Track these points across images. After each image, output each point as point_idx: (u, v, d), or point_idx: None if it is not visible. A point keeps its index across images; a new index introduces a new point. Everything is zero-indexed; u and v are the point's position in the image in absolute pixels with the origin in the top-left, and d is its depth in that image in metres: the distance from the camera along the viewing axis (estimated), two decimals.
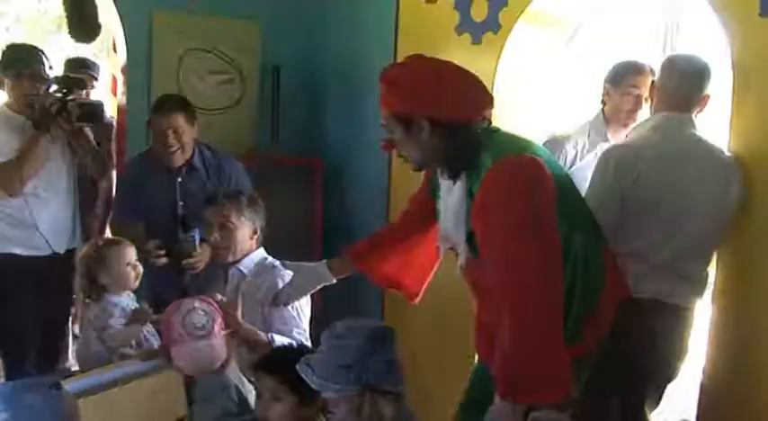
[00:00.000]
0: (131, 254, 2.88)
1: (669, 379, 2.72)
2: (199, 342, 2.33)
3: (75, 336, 4.22)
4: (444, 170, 2.15)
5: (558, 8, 3.29)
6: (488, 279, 2.05)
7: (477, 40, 3.38)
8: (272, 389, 2.12)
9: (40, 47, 3.51)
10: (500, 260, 1.99)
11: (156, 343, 2.77)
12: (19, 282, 3.39)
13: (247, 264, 2.84)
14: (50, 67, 3.44)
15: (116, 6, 4.01)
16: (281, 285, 2.71)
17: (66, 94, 3.26)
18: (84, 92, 3.61)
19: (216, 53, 4.32)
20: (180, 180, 3.38)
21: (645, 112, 3.05)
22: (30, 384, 2.89)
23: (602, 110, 3.29)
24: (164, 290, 3.27)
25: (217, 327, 2.37)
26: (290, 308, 2.73)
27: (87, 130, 3.51)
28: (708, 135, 2.62)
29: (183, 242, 3.27)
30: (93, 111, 3.36)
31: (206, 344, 2.34)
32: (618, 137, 3.19)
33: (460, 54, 3.45)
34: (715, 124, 2.77)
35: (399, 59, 3.83)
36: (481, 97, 2.14)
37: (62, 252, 3.47)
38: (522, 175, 1.99)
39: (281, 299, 2.66)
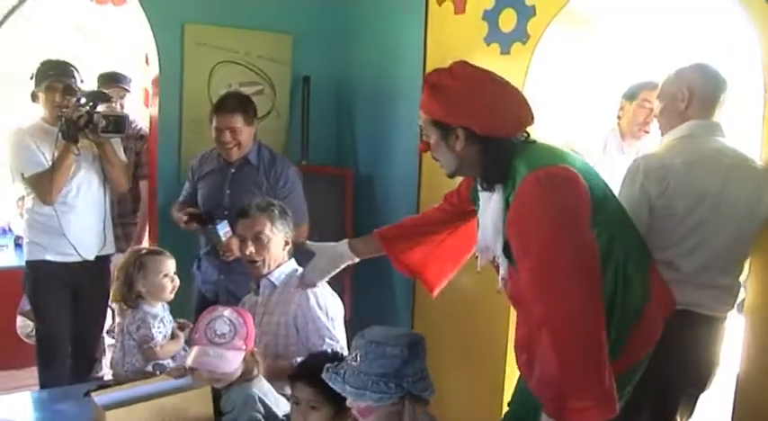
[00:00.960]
0: (170, 265, 2.92)
1: (701, 389, 2.69)
2: (212, 347, 2.34)
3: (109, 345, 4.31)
4: (478, 180, 2.14)
5: (586, 16, 3.29)
6: (524, 290, 2.02)
7: (505, 51, 3.39)
8: (309, 399, 2.13)
9: (71, 62, 3.64)
10: (534, 272, 1.95)
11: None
12: (52, 287, 3.55)
13: (278, 276, 2.85)
14: (81, 81, 3.60)
15: (148, 20, 4.07)
16: (311, 298, 2.72)
17: (93, 107, 3.41)
18: (110, 104, 3.73)
19: (246, 65, 4.36)
20: (233, 171, 3.63)
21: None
22: (64, 392, 2.94)
23: (618, 124, 3.52)
24: (206, 287, 3.65)
25: (238, 341, 2.36)
26: (323, 318, 2.74)
27: (116, 143, 3.64)
28: (736, 142, 2.60)
29: (209, 234, 3.53)
30: (118, 123, 3.47)
31: (217, 351, 2.32)
32: (632, 149, 3.41)
33: (489, 64, 3.38)
34: (742, 130, 2.77)
35: (428, 70, 3.86)
36: (522, 114, 2.10)
37: (91, 258, 3.59)
38: (556, 186, 1.95)
39: (306, 280, 2.68)
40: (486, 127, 2.04)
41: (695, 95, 2.61)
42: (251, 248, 2.83)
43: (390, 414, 1.90)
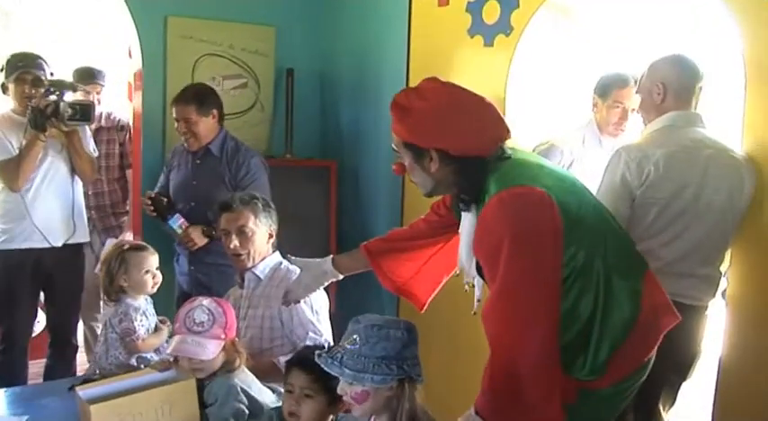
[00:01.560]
0: (153, 261, 2.91)
1: (683, 378, 2.72)
2: (190, 335, 2.35)
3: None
4: (455, 200, 2.11)
5: (569, 8, 3.30)
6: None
7: (489, 43, 3.39)
8: (304, 386, 2.14)
9: (40, 54, 3.72)
10: (493, 293, 1.93)
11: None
12: (20, 274, 3.63)
13: (263, 269, 2.85)
14: (51, 73, 3.67)
15: (131, 12, 4.05)
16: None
17: (60, 96, 3.49)
18: (86, 93, 3.85)
19: (230, 58, 4.35)
20: (198, 162, 3.70)
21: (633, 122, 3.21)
22: (47, 387, 2.93)
23: (594, 117, 3.44)
24: (182, 278, 3.74)
25: (216, 329, 2.37)
26: (308, 312, 2.74)
27: (85, 135, 3.72)
28: (717, 133, 2.63)
29: (167, 231, 3.65)
30: (85, 111, 3.55)
31: (195, 339, 2.34)
32: (610, 143, 3.34)
33: (473, 56, 3.47)
34: (723, 121, 2.79)
35: (412, 62, 3.87)
36: (497, 130, 2.03)
37: (59, 245, 3.66)
38: (517, 208, 1.88)
39: (290, 297, 2.64)
40: (460, 147, 1.97)
41: (669, 88, 2.64)
42: (235, 242, 2.83)
43: (387, 399, 1.90)
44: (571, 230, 1.88)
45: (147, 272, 2.87)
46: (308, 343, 2.62)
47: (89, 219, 4.28)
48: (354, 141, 4.45)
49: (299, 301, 2.67)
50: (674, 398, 2.79)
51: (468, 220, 2.08)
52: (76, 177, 3.73)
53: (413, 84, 3.87)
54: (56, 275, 3.70)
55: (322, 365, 1.92)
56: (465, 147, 1.98)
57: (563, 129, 3.52)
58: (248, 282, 2.86)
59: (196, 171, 3.70)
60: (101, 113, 4.39)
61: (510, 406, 1.88)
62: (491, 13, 3.37)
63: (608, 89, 3.35)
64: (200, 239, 3.56)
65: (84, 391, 2.25)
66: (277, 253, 2.92)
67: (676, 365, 2.64)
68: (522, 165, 2.02)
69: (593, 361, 1.92)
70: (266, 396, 2.39)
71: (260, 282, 2.84)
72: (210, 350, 2.35)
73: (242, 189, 3.45)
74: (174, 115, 3.66)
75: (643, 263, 2.07)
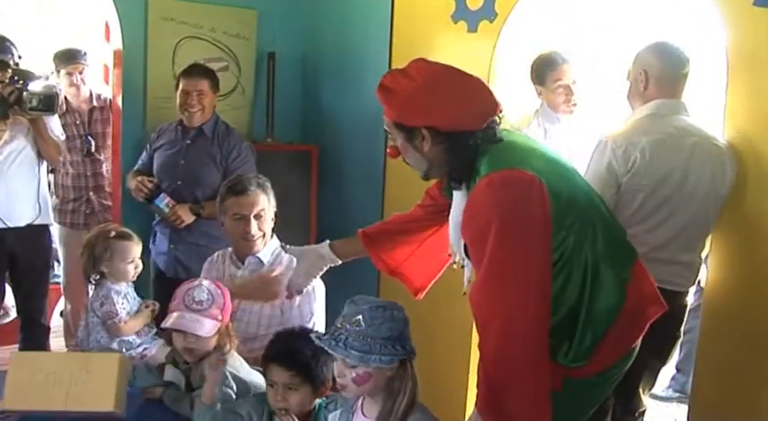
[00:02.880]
0: (137, 251, 2.92)
1: (662, 362, 2.77)
2: (189, 312, 2.37)
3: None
4: (446, 180, 2.11)
5: None
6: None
7: (473, 29, 3.39)
8: (287, 382, 2.16)
9: (7, 37, 3.72)
10: (480, 278, 1.94)
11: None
12: None
13: (265, 254, 2.85)
14: (19, 57, 3.68)
15: None
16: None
17: (24, 85, 3.48)
18: (40, 81, 3.76)
19: (211, 41, 4.32)
20: (188, 142, 3.70)
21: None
22: None
23: (542, 102, 3.55)
24: (159, 258, 3.72)
25: (215, 309, 2.40)
26: (308, 306, 2.76)
27: (53, 121, 3.69)
28: (701, 121, 2.66)
29: (154, 211, 3.68)
30: (48, 102, 3.51)
31: (194, 316, 2.37)
32: (567, 117, 3.49)
33: (456, 42, 3.47)
34: (706, 110, 2.83)
35: (394, 46, 3.86)
36: (486, 104, 2.02)
37: (21, 225, 3.64)
38: (506, 190, 1.88)
39: (293, 288, 2.63)
40: (448, 122, 1.97)
41: (651, 76, 2.68)
42: (254, 227, 2.82)
43: (388, 379, 1.91)
44: (561, 216, 1.89)
45: (131, 261, 2.88)
46: (294, 327, 2.61)
47: (87, 200, 4.27)
48: (336, 126, 4.44)
49: (301, 291, 2.66)
50: (654, 382, 2.84)
51: (458, 201, 2.08)
52: (43, 161, 3.74)
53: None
54: (19, 256, 3.70)
55: (325, 348, 1.91)
56: (453, 123, 1.97)
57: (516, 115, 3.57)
58: (248, 265, 2.85)
59: (187, 150, 3.70)
60: (91, 94, 4.37)
61: (505, 396, 1.88)
62: None
63: (542, 75, 3.47)
64: (187, 217, 3.57)
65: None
66: (276, 238, 2.92)
67: (655, 349, 2.68)
68: (514, 147, 2.02)
69: (578, 347, 1.94)
70: (256, 379, 2.41)
71: (262, 266, 2.83)
72: (207, 328, 2.37)
73: (232, 171, 3.52)
74: (185, 87, 3.66)
75: (633, 251, 2.07)
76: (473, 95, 2.02)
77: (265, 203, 2.83)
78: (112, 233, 2.92)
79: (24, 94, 3.44)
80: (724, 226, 2.59)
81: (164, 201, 3.58)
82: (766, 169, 2.43)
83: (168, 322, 2.39)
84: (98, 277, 2.87)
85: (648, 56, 2.71)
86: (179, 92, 3.68)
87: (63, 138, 3.85)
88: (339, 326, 1.92)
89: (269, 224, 2.85)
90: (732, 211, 2.56)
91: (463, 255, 2.12)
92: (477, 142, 1.97)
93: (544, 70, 3.44)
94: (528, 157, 1.97)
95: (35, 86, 3.55)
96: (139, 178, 3.68)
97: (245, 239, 2.85)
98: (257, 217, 2.82)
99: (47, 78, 3.84)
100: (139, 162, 3.90)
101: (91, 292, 2.93)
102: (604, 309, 1.94)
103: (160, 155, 3.78)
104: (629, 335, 2.01)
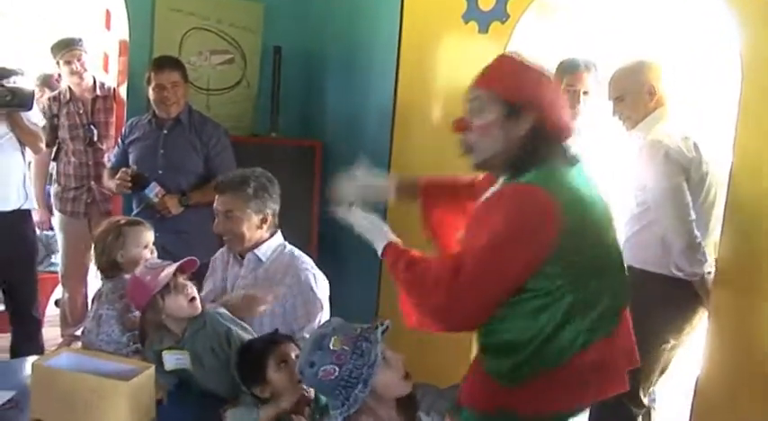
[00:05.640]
0: (149, 236, 2.89)
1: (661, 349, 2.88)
2: (150, 267, 2.49)
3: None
4: (496, 167, 1.99)
5: None
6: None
7: (484, 29, 3.38)
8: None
9: None
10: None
11: None
12: None
13: (265, 251, 2.82)
14: None
15: None
16: (303, 278, 2.70)
17: None
18: (13, 79, 3.75)
19: (218, 33, 4.30)
20: (165, 132, 3.75)
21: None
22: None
23: None
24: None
25: (170, 268, 2.43)
26: (316, 301, 2.72)
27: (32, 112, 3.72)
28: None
29: (142, 200, 3.71)
30: (22, 98, 3.58)
31: (154, 263, 2.52)
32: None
33: (467, 42, 3.46)
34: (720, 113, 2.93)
35: (403, 44, 3.84)
36: (570, 121, 2.00)
37: (8, 210, 3.68)
38: (518, 204, 1.83)
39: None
40: (555, 118, 1.91)
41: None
42: (219, 224, 2.80)
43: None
44: (564, 254, 1.82)
45: (145, 247, 2.85)
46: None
47: (88, 189, 4.26)
48: (340, 123, 4.43)
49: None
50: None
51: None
52: (25, 149, 3.77)
53: (403, 68, 3.86)
54: (3, 243, 3.68)
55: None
56: (556, 123, 1.92)
57: None
58: (248, 262, 2.83)
59: (165, 141, 3.73)
60: (95, 83, 4.33)
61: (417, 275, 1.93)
62: (487, 0, 3.36)
63: (560, 77, 3.44)
64: (175, 208, 3.62)
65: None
66: (278, 235, 2.88)
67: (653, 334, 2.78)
68: (567, 177, 1.91)
69: (515, 368, 1.90)
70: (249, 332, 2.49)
71: (262, 264, 2.81)
72: (163, 274, 2.41)
73: (213, 157, 3.70)
74: (160, 82, 3.67)
75: (615, 318, 1.97)
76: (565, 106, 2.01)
77: (237, 205, 2.74)
78: (122, 221, 2.91)
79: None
80: (735, 239, 2.62)
81: (153, 191, 3.61)
82: None
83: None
84: (113, 269, 2.83)
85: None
86: (152, 87, 3.70)
87: (42, 125, 3.88)
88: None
89: (244, 226, 2.77)
90: (742, 222, 2.58)
91: None
92: (553, 150, 1.92)
93: (563, 73, 3.42)
94: (561, 183, 1.88)
95: (9, 82, 3.57)
96: (119, 175, 3.67)
97: (219, 235, 2.86)
98: (226, 217, 2.76)
99: (23, 74, 3.81)
100: (113, 159, 3.92)
101: (100, 285, 2.89)
102: (553, 349, 1.87)
103: (136, 147, 3.80)
104: (569, 389, 1.92)
